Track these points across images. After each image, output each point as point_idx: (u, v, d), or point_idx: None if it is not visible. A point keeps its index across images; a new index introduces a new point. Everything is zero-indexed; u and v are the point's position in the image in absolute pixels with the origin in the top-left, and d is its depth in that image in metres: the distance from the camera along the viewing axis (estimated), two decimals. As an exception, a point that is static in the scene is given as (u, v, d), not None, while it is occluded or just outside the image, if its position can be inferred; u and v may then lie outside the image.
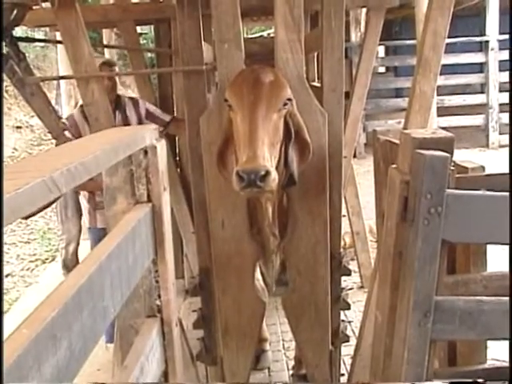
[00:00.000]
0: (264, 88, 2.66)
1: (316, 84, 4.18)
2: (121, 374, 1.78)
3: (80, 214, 6.32)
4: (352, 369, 3.68)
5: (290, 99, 2.74)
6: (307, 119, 2.89)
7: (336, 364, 3.72)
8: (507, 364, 2.34)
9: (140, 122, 4.84)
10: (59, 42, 4.12)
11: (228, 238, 3.06)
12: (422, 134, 2.10)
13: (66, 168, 1.23)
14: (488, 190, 2.10)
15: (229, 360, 3.55)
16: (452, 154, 2.03)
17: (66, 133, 3.81)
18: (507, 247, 2.10)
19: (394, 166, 2.21)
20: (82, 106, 4.36)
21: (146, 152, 1.95)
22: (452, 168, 2.04)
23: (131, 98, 5.10)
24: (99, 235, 4.68)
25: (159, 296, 2.09)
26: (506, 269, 2.35)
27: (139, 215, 1.88)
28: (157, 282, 2.08)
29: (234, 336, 3.45)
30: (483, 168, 2.41)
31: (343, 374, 3.80)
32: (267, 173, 2.39)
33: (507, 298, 2.16)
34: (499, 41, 12.92)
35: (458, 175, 2.16)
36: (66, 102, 8.35)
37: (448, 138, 2.08)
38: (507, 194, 2.05)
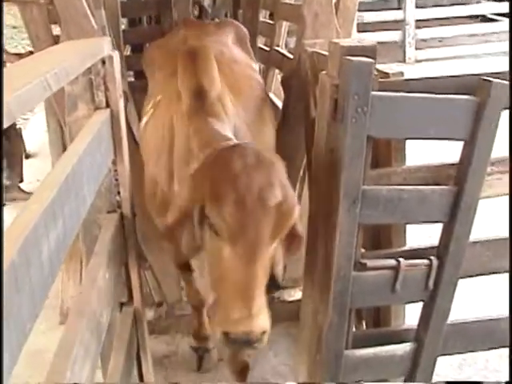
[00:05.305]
0: (269, 220, 2.03)
1: (288, 1, 4.33)
2: (93, 261, 2.02)
3: None
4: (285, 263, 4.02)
5: None
6: (326, 34, 3.07)
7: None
8: (423, 247, 2.68)
9: None
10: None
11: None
12: (349, 43, 2.36)
13: (53, 71, 1.43)
14: (406, 92, 2.38)
15: (156, 263, 3.83)
16: (375, 60, 2.29)
17: None
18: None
19: (324, 72, 2.46)
20: None
21: (103, 61, 2.14)
22: (375, 73, 2.31)
23: None
24: None
25: (119, 193, 2.32)
26: (422, 162, 2.67)
27: (101, 119, 2.09)
28: (116, 180, 2.31)
29: (153, 239, 3.67)
30: (402, 73, 2.69)
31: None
32: (264, 332, 2.02)
33: (423, 187, 2.49)
34: (417, -42, 13.18)
35: (380, 80, 2.43)
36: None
37: (372, 45, 2.34)
38: (423, 95, 2.35)
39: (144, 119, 3.40)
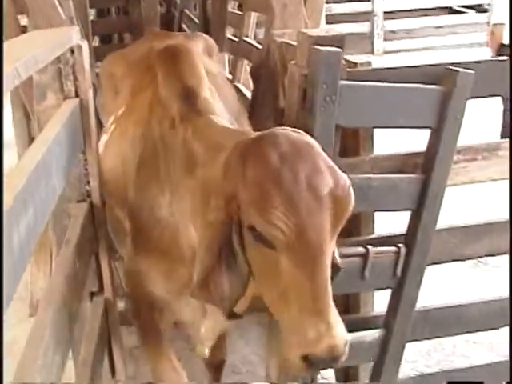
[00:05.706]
0: (326, 211, 1.71)
1: None
2: (63, 250, 2.02)
3: None
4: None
5: None
6: (294, 25, 3.09)
7: None
8: (391, 234, 2.72)
9: None
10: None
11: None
12: (318, 33, 2.38)
13: (23, 59, 1.43)
14: (374, 81, 2.41)
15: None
16: (343, 49, 2.31)
17: None
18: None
19: (292, 62, 2.48)
20: None
21: (72, 51, 2.13)
22: (343, 63, 2.33)
23: None
24: None
25: (88, 182, 2.32)
26: (389, 152, 2.71)
27: (70, 109, 2.08)
28: (86, 169, 2.30)
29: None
30: (370, 63, 2.72)
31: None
32: (346, 342, 1.72)
33: (392, 175, 2.53)
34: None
35: (348, 69, 2.45)
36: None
37: (340, 35, 2.37)
38: (390, 84, 2.38)
39: (104, 137, 2.93)
